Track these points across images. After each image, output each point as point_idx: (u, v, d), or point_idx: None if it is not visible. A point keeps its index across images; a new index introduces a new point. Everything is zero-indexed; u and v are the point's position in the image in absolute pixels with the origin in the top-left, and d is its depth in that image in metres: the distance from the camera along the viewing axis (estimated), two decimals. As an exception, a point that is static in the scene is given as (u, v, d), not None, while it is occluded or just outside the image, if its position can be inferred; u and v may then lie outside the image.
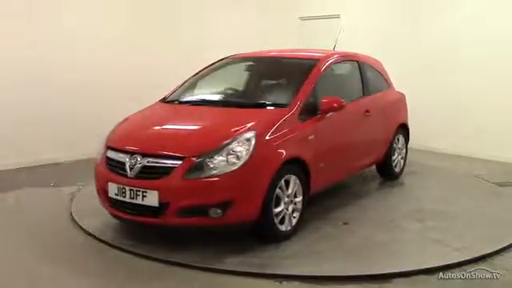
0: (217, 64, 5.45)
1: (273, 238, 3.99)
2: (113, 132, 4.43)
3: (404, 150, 6.31)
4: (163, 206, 3.67)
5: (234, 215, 3.71)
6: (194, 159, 3.69)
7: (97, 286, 3.40)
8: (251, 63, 5.56)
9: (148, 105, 4.93)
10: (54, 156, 6.64)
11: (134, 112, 4.77)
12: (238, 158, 3.71)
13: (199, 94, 5.14)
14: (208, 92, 5.26)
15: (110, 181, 3.94)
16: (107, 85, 7.04)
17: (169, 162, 3.74)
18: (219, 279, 3.45)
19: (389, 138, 5.89)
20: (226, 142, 3.78)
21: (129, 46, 7.31)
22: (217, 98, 5.08)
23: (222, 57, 5.54)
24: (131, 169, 3.81)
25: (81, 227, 4.35)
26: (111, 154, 4.09)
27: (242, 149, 3.75)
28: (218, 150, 3.73)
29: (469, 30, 7.32)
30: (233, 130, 3.93)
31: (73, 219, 4.55)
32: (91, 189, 5.51)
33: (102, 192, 4.09)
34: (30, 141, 6.37)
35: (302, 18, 9.61)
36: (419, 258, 3.81)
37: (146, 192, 3.70)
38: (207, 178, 3.66)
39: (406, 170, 6.44)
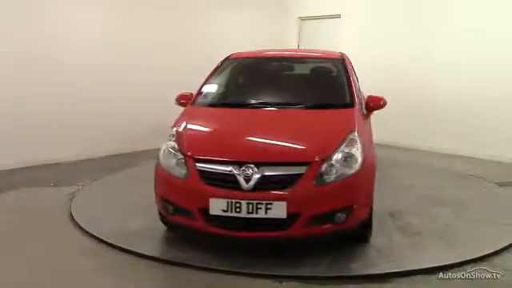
0: (229, 63, 5.13)
1: (365, 238, 3.98)
2: (194, 142, 3.94)
3: None
4: (292, 216, 3.43)
5: (353, 218, 3.60)
6: (319, 164, 3.52)
7: (103, 286, 3.38)
8: (272, 63, 5.33)
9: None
10: (54, 156, 6.63)
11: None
12: (354, 159, 3.63)
13: (246, 96, 4.74)
14: (252, 93, 4.81)
15: (214, 196, 3.49)
16: (106, 84, 7.03)
17: (293, 169, 3.50)
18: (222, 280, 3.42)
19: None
20: (339, 144, 3.66)
21: (127, 45, 7.30)
22: (272, 99, 4.62)
23: (224, 57, 5.26)
24: (247, 181, 3.49)
25: (81, 227, 4.32)
26: (208, 167, 3.61)
27: (355, 149, 3.67)
28: (336, 153, 3.61)
29: (469, 29, 7.33)
30: (337, 131, 3.82)
31: (72, 219, 4.53)
32: (91, 189, 5.56)
33: (196, 210, 3.58)
34: (30, 141, 6.36)
35: (302, 18, 9.62)
36: (493, 236, 4.13)
37: (270, 204, 3.41)
38: (333, 182, 3.52)
39: (402, 166, 6.85)
